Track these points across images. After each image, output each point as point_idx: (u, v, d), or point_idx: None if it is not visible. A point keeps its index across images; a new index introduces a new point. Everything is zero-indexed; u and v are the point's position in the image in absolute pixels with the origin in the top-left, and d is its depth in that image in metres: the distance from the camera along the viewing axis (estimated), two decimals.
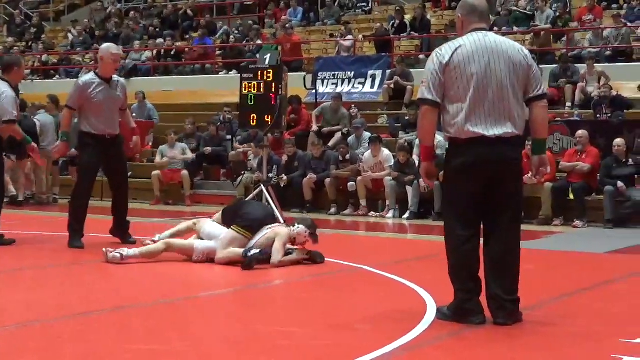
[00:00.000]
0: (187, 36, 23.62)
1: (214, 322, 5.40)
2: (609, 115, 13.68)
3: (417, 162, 12.84)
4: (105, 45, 9.44)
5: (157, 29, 24.39)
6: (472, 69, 4.77)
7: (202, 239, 7.77)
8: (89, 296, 6.18)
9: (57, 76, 23.34)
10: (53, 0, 30.13)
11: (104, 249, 7.61)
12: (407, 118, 15.11)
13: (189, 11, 24.98)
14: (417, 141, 13.21)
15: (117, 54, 9.28)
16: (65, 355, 4.28)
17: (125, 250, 7.57)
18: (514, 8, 19.36)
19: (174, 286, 6.80)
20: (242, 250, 7.31)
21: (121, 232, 9.08)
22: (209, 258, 7.50)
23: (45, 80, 22.55)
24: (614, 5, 19.46)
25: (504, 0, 19.83)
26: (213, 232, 7.65)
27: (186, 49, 22.40)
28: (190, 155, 15.53)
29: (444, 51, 4.84)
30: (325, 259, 7.75)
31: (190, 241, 7.84)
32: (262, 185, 11.50)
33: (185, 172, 15.19)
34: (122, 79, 9.65)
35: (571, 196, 12.18)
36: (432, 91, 4.77)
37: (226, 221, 7.83)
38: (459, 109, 4.78)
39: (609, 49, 17.12)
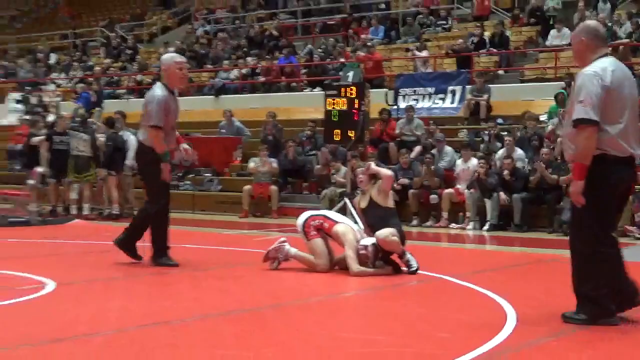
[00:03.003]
0: (273, 55, 23.82)
1: (299, 329, 5.46)
2: None
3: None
4: (167, 55, 9.02)
5: (244, 49, 24.67)
6: (626, 91, 4.91)
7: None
8: (177, 304, 6.30)
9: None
10: (147, 23, 30.76)
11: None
12: (486, 132, 15.00)
13: (274, 32, 25.22)
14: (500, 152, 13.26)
15: (182, 62, 8.58)
16: None
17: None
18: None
19: (260, 295, 6.82)
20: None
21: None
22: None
23: (141, 99, 22.98)
24: None
25: (581, 15, 19.51)
26: None
27: (272, 68, 22.58)
28: (277, 169, 15.66)
29: (602, 73, 4.86)
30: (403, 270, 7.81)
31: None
32: (345, 198, 11.56)
33: (274, 187, 15.33)
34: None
35: None
36: (597, 112, 4.77)
37: None
38: (615, 129, 4.83)
39: None
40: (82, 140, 14.98)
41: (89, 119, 17.45)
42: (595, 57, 4.98)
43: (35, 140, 15.17)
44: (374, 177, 8.23)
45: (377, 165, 9.12)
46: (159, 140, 7.87)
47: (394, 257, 7.85)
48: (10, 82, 27.73)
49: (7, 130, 21.15)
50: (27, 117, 20.08)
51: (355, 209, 8.81)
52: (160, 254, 8.14)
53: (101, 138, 15.00)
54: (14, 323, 5.45)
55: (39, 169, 14.68)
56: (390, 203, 8.26)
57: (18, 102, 23.97)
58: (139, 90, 24.07)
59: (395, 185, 13.74)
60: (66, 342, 4.88)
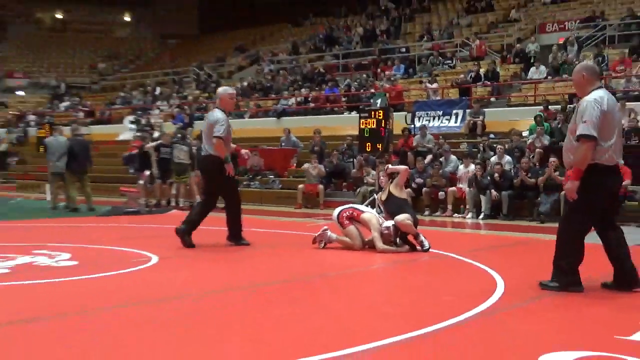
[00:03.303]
0: (320, 87, 23.87)
1: (339, 293, 5.47)
2: (637, 141, 13.14)
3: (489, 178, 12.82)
4: (222, 88, 8.88)
5: (299, 83, 24.77)
6: (616, 115, 4.99)
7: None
8: (248, 274, 6.39)
9: (233, 116, 23.78)
10: (227, 63, 30.97)
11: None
12: (481, 145, 14.95)
13: (321, 69, 25.30)
14: (493, 159, 13.20)
15: (233, 93, 8.76)
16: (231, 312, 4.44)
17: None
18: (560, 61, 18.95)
19: (310, 267, 6.86)
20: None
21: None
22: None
23: None
24: None
25: (554, 56, 19.31)
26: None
27: (319, 97, 22.63)
28: (324, 172, 15.70)
29: (601, 100, 4.89)
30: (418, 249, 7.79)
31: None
32: (374, 195, 11.56)
33: (320, 186, 15.39)
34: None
35: None
36: (596, 130, 4.80)
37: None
38: (609, 144, 4.87)
39: (636, 91, 16.43)
40: (182, 151, 15.21)
41: (186, 135, 17.72)
42: (592, 88, 5.04)
43: (148, 145, 15.37)
44: (392, 175, 8.36)
45: (393, 165, 9.29)
46: (222, 147, 7.83)
47: (411, 238, 7.85)
48: (126, 108, 28.22)
49: (124, 144, 21.43)
50: (139, 133, 20.28)
51: (379, 201, 8.80)
52: (237, 236, 8.15)
53: (194, 149, 15.16)
54: (129, 286, 5.55)
55: (147, 172, 14.87)
56: (404, 195, 8.36)
57: (132, 122, 24.38)
58: None
59: (412, 184, 13.79)
60: (169, 301, 4.94)
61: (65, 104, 31.96)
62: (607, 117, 4.88)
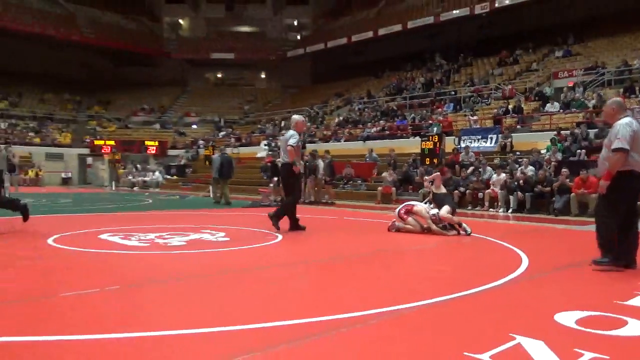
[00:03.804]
0: (393, 120, 23.64)
1: (404, 263, 5.37)
2: None
3: (517, 183, 12.23)
4: (296, 115, 8.30)
5: (379, 116, 24.63)
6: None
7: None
8: (329, 249, 6.28)
9: (334, 141, 24.05)
10: (329, 104, 31.14)
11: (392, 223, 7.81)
12: (510, 159, 14.34)
13: (394, 107, 25.04)
14: (519, 169, 12.61)
15: (304, 120, 8.27)
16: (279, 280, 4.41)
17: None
18: (570, 99, 17.94)
19: (380, 244, 6.64)
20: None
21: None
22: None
23: (325, 144, 23.29)
24: None
25: (565, 95, 18.31)
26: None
27: (393, 126, 22.42)
28: (396, 178, 15.51)
29: (630, 123, 4.64)
30: (462, 233, 7.52)
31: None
32: (430, 195, 11.33)
33: (393, 188, 15.20)
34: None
35: None
36: (629, 145, 4.54)
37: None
38: (637, 156, 4.58)
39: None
40: (300, 164, 15.38)
41: (302, 153, 17.95)
42: (620, 117, 4.74)
43: (277, 160, 15.71)
44: (431, 182, 8.27)
45: (428, 175, 9.44)
46: (293, 154, 7.59)
47: (455, 225, 7.59)
48: (262, 135, 28.85)
49: (260, 159, 21.98)
50: (270, 152, 20.76)
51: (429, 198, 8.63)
52: (296, 224, 7.75)
53: (307, 163, 15.33)
54: (264, 255, 5.64)
55: (275, 178, 15.14)
56: (443, 190, 8.18)
57: (266, 145, 24.91)
58: (324, 139, 24.45)
59: (460, 188, 13.40)
60: (289, 265, 4.98)
61: (223, 133, 33.09)
62: (637, 135, 4.57)
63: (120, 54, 39.06)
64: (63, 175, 30.10)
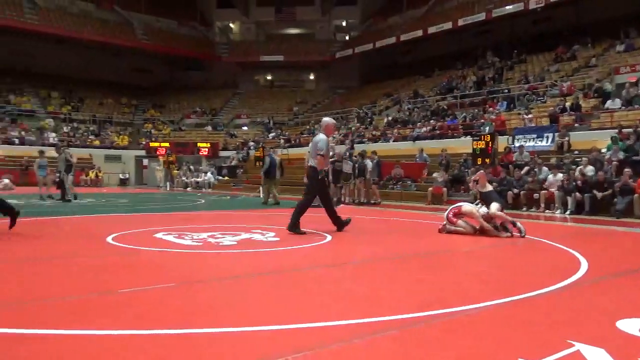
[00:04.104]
0: (444, 119, 23.23)
1: (456, 265, 5.26)
2: None
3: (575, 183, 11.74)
4: (326, 118, 8.01)
5: (429, 116, 24.27)
6: None
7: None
8: (382, 249, 6.24)
9: (383, 141, 23.86)
10: (378, 105, 30.99)
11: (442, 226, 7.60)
12: (567, 160, 13.79)
13: (444, 106, 24.61)
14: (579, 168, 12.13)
15: (335, 123, 7.87)
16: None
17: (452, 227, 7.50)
18: (632, 95, 17.04)
19: (431, 246, 6.53)
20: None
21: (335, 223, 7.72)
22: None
23: (373, 144, 23.16)
24: None
25: (627, 91, 17.44)
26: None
27: (443, 126, 22.04)
28: (447, 178, 15.27)
29: None
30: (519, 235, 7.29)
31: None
32: (478, 194, 11.08)
33: (444, 188, 14.96)
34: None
35: None
36: None
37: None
38: None
39: None
40: (348, 165, 15.41)
41: (352, 154, 17.91)
42: None
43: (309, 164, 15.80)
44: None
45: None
46: (322, 162, 7.44)
47: (510, 226, 7.35)
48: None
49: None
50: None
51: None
52: (338, 224, 7.62)
53: (356, 164, 15.31)
54: (313, 255, 5.66)
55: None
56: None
57: None
58: (373, 139, 24.29)
59: (513, 189, 13.01)
60: (338, 266, 4.98)
61: (272, 134, 33.51)
62: None
63: (174, 59, 40.33)
64: (121, 176, 31.35)
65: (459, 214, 7.54)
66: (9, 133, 30.00)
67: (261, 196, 15.39)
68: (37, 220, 8.86)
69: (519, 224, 7.35)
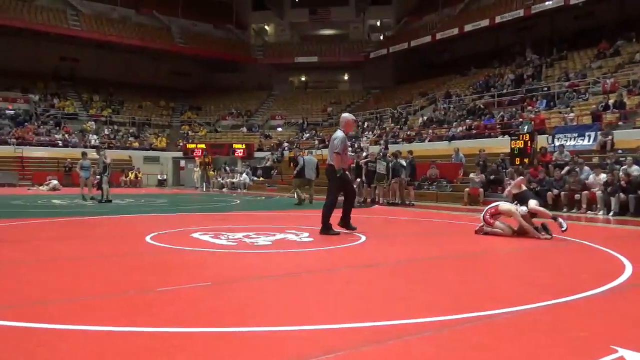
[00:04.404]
0: (481, 118, 22.82)
1: (494, 267, 5.15)
2: None
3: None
4: (345, 114, 7.82)
5: (465, 115, 23.91)
6: None
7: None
8: (426, 250, 6.17)
9: (417, 141, 23.65)
10: (412, 104, 30.67)
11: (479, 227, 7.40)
12: (611, 159, 13.34)
13: (481, 105, 24.19)
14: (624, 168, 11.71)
15: (354, 119, 7.67)
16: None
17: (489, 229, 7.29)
18: None
19: (466, 247, 6.42)
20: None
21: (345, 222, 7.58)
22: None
23: (409, 144, 22.94)
24: None
25: None
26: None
27: (480, 125, 21.67)
28: (484, 179, 15.00)
29: None
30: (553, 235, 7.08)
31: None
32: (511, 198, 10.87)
33: (481, 189, 14.70)
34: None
35: None
36: None
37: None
38: None
39: None
40: (382, 165, 15.32)
41: (386, 155, 17.81)
42: None
43: (362, 161, 15.79)
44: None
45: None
46: (339, 160, 7.26)
47: (550, 224, 7.15)
48: None
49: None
50: (352, 153, 20.78)
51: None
52: (346, 223, 7.49)
53: (390, 164, 15.21)
54: (347, 256, 5.65)
55: (359, 179, 15.15)
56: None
57: (349, 146, 24.91)
58: (408, 139, 24.07)
59: (553, 189, 12.67)
60: (373, 266, 4.95)
61: (307, 135, 33.65)
62: None
63: (210, 62, 40.99)
64: (159, 177, 32.08)
65: (496, 214, 7.37)
66: (53, 136, 31.13)
67: (295, 197, 15.48)
68: (80, 220, 9.16)
69: (560, 220, 7.15)
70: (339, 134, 7.33)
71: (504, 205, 7.41)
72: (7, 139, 29.08)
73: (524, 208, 7.23)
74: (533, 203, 7.21)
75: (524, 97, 23.24)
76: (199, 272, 4.53)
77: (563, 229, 6.99)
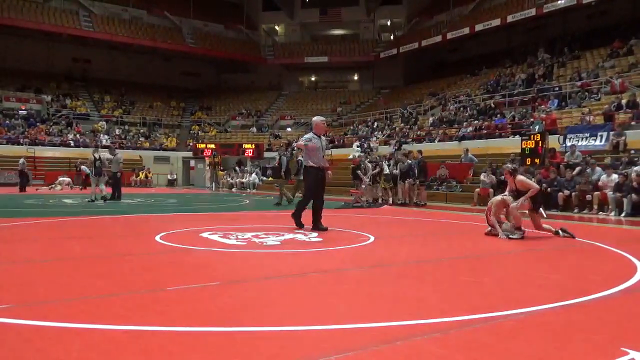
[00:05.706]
0: (491, 118, 22.67)
1: (504, 268, 5.12)
2: None
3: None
4: (317, 117, 8.15)
5: (475, 115, 23.76)
6: None
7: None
8: (438, 249, 6.15)
9: (427, 141, 23.57)
10: (423, 104, 30.52)
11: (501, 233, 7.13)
12: (623, 159, 13.19)
13: (492, 104, 24.02)
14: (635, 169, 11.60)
15: (324, 121, 8.08)
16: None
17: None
18: None
19: (474, 249, 6.38)
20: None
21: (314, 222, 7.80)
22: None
23: (419, 144, 22.87)
24: None
25: None
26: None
27: (490, 125, 21.53)
28: (495, 180, 14.92)
29: None
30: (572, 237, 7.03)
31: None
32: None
33: (491, 190, 14.59)
34: (323, 137, 8.08)
35: None
36: None
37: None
38: None
39: None
40: (390, 165, 15.27)
41: (395, 155, 17.79)
42: None
43: (368, 165, 15.75)
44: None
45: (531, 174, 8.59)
46: (307, 157, 7.81)
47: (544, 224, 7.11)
48: (354, 136, 28.91)
49: (351, 161, 22.04)
50: (362, 153, 20.77)
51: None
52: (318, 225, 7.75)
53: (399, 165, 15.18)
54: (356, 256, 5.64)
55: (366, 180, 15.13)
56: (530, 186, 7.66)
57: (358, 146, 24.92)
58: (417, 139, 23.98)
59: (564, 190, 12.55)
60: (381, 267, 4.94)
61: None
62: None
63: (221, 62, 41.16)
64: (169, 177, 32.25)
65: (490, 212, 7.37)
66: (65, 136, 31.42)
67: (293, 197, 15.56)
68: (90, 220, 9.24)
69: (520, 232, 7.05)
70: (309, 135, 7.87)
71: (495, 199, 7.44)
72: (19, 139, 29.41)
73: (514, 203, 7.17)
74: (515, 205, 7.13)
75: (535, 97, 23.07)
76: (209, 271, 4.55)
77: (568, 234, 7.03)
